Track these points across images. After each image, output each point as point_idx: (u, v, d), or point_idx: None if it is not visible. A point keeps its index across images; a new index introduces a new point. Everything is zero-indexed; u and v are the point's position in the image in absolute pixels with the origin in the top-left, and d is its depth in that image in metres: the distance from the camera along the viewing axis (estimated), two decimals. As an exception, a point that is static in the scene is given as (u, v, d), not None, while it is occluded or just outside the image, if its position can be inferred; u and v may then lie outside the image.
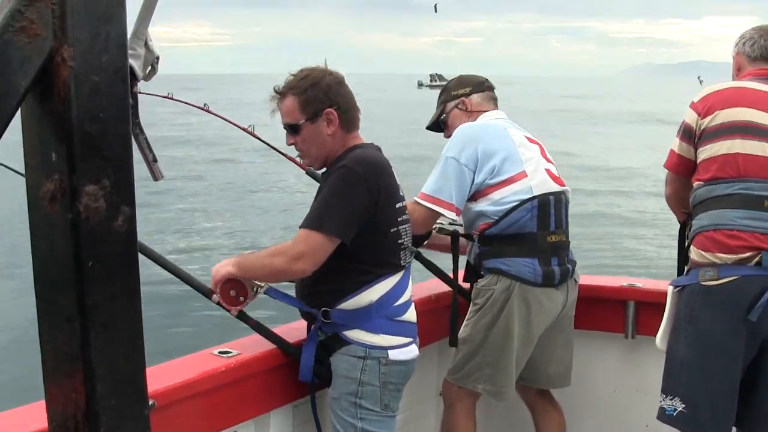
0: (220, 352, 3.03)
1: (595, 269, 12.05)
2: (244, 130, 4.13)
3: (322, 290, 3.05)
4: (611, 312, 4.10)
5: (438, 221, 3.71)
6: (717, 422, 3.22)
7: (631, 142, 38.86)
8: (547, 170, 3.71)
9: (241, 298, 3.08)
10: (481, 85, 3.97)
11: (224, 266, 3.06)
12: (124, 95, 1.06)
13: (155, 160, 1.32)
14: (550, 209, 3.62)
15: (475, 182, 3.61)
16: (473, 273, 3.71)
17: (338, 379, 3.07)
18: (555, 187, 3.70)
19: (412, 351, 3.14)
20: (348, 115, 3.11)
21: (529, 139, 3.79)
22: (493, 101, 3.97)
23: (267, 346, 3.14)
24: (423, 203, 3.58)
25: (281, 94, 3.12)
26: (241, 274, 3.04)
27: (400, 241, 3.10)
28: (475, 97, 3.92)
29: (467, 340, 3.66)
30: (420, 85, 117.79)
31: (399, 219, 3.10)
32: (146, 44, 1.23)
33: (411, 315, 3.17)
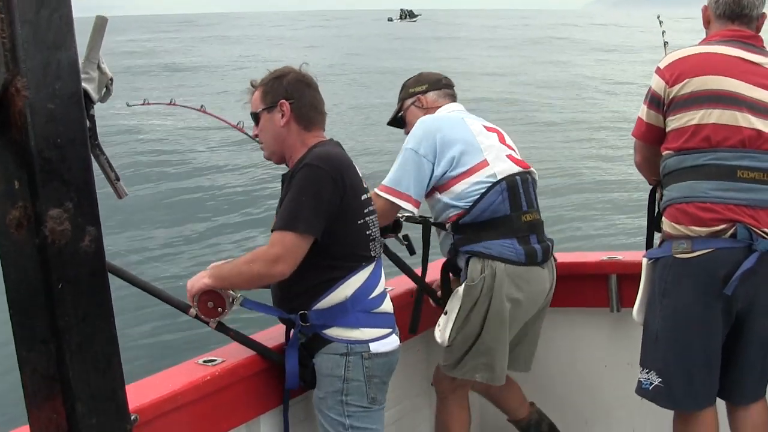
0: (204, 361, 3.03)
1: (574, 245, 12.10)
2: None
3: (297, 291, 3.07)
4: (594, 287, 4.09)
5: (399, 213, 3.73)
6: (693, 395, 3.23)
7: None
8: (509, 156, 3.72)
9: (219, 309, 3.06)
10: (438, 83, 4.01)
11: (200, 279, 3.06)
12: (81, 119, 1.09)
13: (118, 179, 1.35)
14: (518, 190, 3.63)
15: (435, 174, 3.62)
16: (452, 266, 3.72)
17: (323, 378, 3.08)
18: (520, 169, 3.70)
19: (392, 342, 3.16)
20: (303, 111, 3.16)
21: (487, 128, 3.81)
22: (450, 97, 4.00)
23: (252, 351, 3.15)
24: (382, 195, 3.59)
25: (254, 87, 3.26)
26: (219, 285, 3.04)
27: (368, 233, 3.13)
28: (431, 95, 3.96)
29: (461, 338, 3.61)
30: (390, 20, 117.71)
31: (365, 210, 3.14)
32: (99, 67, 1.25)
33: (387, 306, 3.19)
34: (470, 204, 3.56)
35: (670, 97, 3.20)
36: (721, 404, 3.32)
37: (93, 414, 1.09)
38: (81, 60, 1.17)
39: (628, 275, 3.92)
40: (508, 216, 3.58)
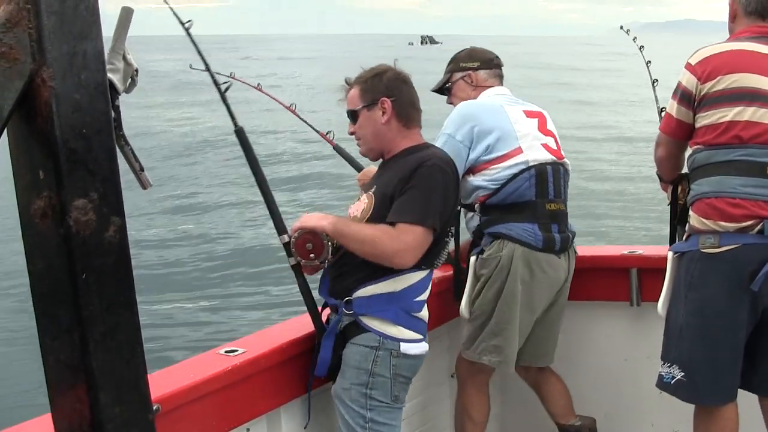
0: (226, 351, 3.05)
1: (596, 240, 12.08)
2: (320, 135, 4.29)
3: (353, 271, 3.10)
4: (615, 281, 4.08)
5: None
6: (716, 389, 3.23)
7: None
8: (544, 144, 3.76)
9: (312, 255, 3.08)
10: (490, 62, 4.03)
11: (319, 219, 3.09)
12: (106, 110, 1.09)
13: (142, 170, 1.35)
14: (548, 178, 3.68)
15: (470, 158, 3.70)
16: (475, 245, 3.78)
17: (349, 369, 3.09)
18: (553, 159, 3.75)
19: (422, 347, 3.18)
20: (404, 109, 3.21)
21: (528, 113, 3.84)
22: (499, 78, 4.04)
23: (273, 342, 3.15)
24: None
25: (349, 84, 3.29)
26: (333, 236, 3.07)
27: (446, 240, 3.21)
28: (482, 73, 3.99)
29: (477, 312, 3.69)
30: (410, 45, 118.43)
31: (454, 220, 3.29)
32: (124, 57, 1.25)
33: (425, 314, 3.22)
34: (498, 186, 3.64)
35: (702, 93, 3.17)
36: (741, 400, 3.30)
37: (116, 403, 1.10)
38: (106, 51, 1.18)
39: (649, 269, 3.92)
40: (533, 202, 3.66)
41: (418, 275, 3.10)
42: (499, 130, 3.69)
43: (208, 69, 3.25)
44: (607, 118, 31.12)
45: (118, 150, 1.16)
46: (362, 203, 3.17)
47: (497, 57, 4.08)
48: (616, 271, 4.07)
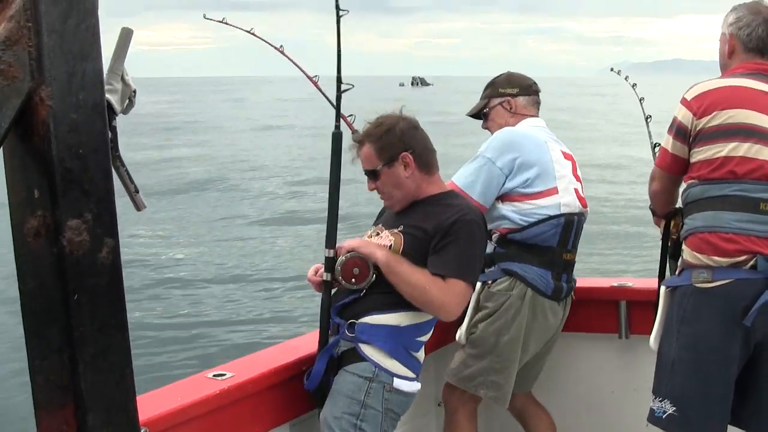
0: (214, 375, 3.03)
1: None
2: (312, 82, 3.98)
3: (377, 294, 3.10)
4: (604, 313, 4.11)
5: None
6: (709, 425, 3.20)
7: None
8: (575, 189, 3.77)
9: (353, 280, 3.08)
10: (529, 89, 3.99)
11: (377, 249, 3.10)
12: (103, 130, 1.09)
13: (137, 191, 1.35)
14: (572, 229, 3.70)
15: (505, 186, 3.67)
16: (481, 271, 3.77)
17: (341, 398, 3.08)
18: (580, 208, 3.76)
19: (414, 386, 3.19)
20: (423, 157, 3.22)
21: (565, 155, 3.84)
22: (537, 106, 4.01)
23: (261, 367, 3.14)
24: None
25: (359, 142, 3.24)
26: (385, 270, 3.07)
27: None
28: (521, 100, 3.95)
29: (475, 342, 3.68)
30: (401, 86, 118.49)
31: None
32: (122, 78, 1.25)
33: (421, 355, 3.24)
34: (525, 224, 3.62)
35: (698, 128, 3.18)
36: None
37: (104, 426, 1.09)
38: (105, 71, 1.18)
39: (638, 302, 3.94)
40: (553, 249, 3.67)
41: (425, 316, 3.13)
42: (541, 167, 3.67)
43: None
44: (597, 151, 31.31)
45: (113, 171, 1.16)
46: (387, 240, 3.16)
47: (535, 83, 4.04)
48: (605, 303, 4.09)
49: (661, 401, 3.23)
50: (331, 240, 3.14)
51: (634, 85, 4.43)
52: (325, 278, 3.13)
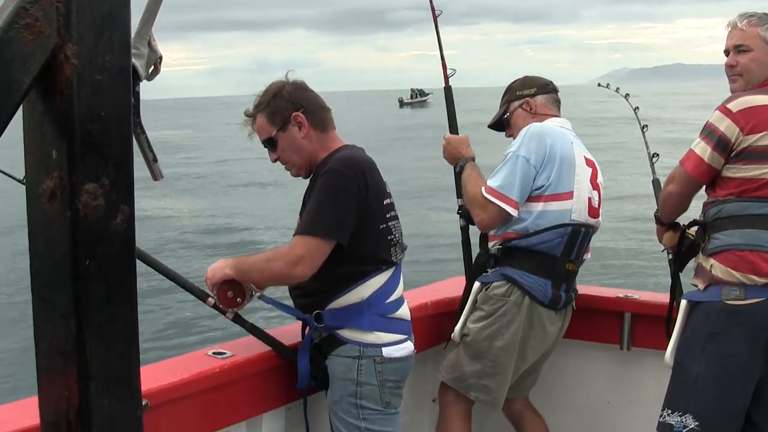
0: (214, 353, 3.02)
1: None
2: None
3: (314, 289, 3.06)
4: (607, 323, 4.06)
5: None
6: None
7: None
8: (589, 198, 3.71)
9: (238, 299, 3.06)
10: (546, 87, 3.95)
11: (221, 268, 3.05)
12: (126, 95, 1.06)
13: (155, 160, 1.32)
14: (578, 240, 3.65)
15: (535, 183, 3.61)
16: (481, 269, 3.74)
17: (336, 381, 3.07)
18: (589, 219, 3.71)
19: (407, 348, 3.14)
20: (316, 115, 3.15)
21: (587, 161, 3.78)
22: (557, 104, 3.97)
23: (261, 348, 3.13)
24: (491, 198, 3.58)
25: (252, 116, 3.19)
26: (239, 277, 3.04)
27: (389, 237, 3.11)
28: (540, 99, 3.90)
29: (469, 344, 3.65)
30: (401, 102, 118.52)
31: (387, 215, 3.13)
32: (149, 43, 1.22)
33: (404, 312, 3.18)
34: (533, 231, 3.58)
35: (744, 145, 3.11)
36: None
37: (106, 395, 1.07)
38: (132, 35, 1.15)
39: (643, 315, 3.90)
40: (556, 258, 3.62)
41: (382, 278, 3.07)
42: (565, 165, 3.61)
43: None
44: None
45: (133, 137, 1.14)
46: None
47: (552, 82, 3.99)
48: (609, 314, 4.05)
49: (681, 416, 3.18)
50: (199, 295, 3.10)
51: (626, 96, 4.39)
52: (229, 318, 3.10)
